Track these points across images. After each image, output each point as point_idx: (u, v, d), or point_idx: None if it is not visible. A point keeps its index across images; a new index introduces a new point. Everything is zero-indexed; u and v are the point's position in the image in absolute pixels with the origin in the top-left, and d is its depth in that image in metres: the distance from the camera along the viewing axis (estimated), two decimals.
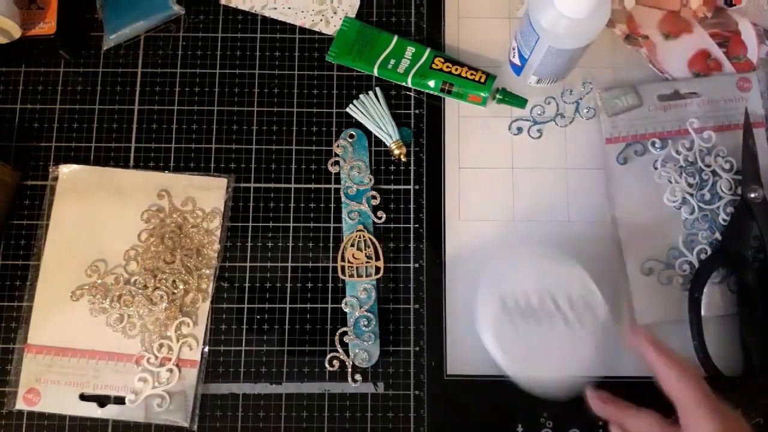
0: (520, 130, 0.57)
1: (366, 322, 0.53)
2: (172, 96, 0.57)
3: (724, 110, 0.56)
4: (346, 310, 0.53)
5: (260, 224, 0.55)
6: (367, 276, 0.54)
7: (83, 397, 0.52)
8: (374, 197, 0.55)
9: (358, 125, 0.57)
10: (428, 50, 0.57)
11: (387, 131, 0.56)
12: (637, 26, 0.58)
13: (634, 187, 0.55)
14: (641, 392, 0.52)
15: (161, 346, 0.52)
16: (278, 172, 0.56)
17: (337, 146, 0.56)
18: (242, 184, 0.56)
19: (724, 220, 0.54)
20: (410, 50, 0.57)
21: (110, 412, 0.51)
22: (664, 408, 0.52)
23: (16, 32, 0.54)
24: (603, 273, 0.54)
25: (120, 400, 0.52)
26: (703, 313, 0.52)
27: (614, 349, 0.53)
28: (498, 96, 0.56)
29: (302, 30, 0.59)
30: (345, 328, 0.53)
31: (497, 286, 0.48)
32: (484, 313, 0.48)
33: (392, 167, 0.56)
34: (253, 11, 0.59)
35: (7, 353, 0.53)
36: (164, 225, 0.54)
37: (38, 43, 0.56)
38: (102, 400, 0.52)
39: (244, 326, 0.53)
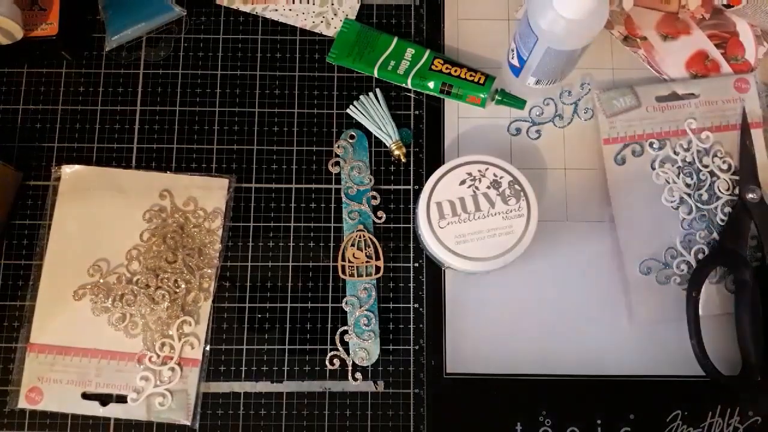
0: (518, 130, 0.57)
1: (366, 321, 0.53)
2: (174, 97, 0.58)
3: (722, 111, 0.56)
4: (347, 309, 0.54)
5: (261, 224, 0.55)
6: (367, 275, 0.54)
7: (85, 396, 0.52)
8: (374, 197, 0.56)
9: (359, 126, 0.57)
10: (428, 52, 0.57)
11: (387, 132, 0.56)
12: (635, 27, 0.59)
13: (632, 188, 0.55)
14: (639, 391, 0.53)
15: (163, 345, 0.52)
16: (279, 172, 0.56)
17: (338, 147, 0.57)
18: (243, 185, 0.56)
19: (722, 220, 0.54)
20: (410, 52, 0.57)
21: (112, 410, 0.52)
22: (660, 407, 0.53)
23: (19, 33, 0.54)
24: (601, 273, 0.55)
25: (122, 399, 0.52)
26: (700, 312, 0.52)
27: (613, 348, 0.53)
28: (497, 97, 0.56)
29: (303, 32, 0.59)
30: (345, 327, 0.53)
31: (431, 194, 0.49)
32: (423, 221, 0.49)
33: (392, 167, 0.57)
34: (254, 13, 0.59)
35: (9, 352, 0.53)
36: (166, 225, 0.54)
37: (40, 44, 0.56)
38: (104, 399, 0.52)
39: (246, 325, 0.54)
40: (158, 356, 0.52)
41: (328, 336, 0.54)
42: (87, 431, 0.52)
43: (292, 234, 0.55)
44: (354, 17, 0.59)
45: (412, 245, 0.55)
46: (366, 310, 0.53)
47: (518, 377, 0.53)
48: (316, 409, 0.52)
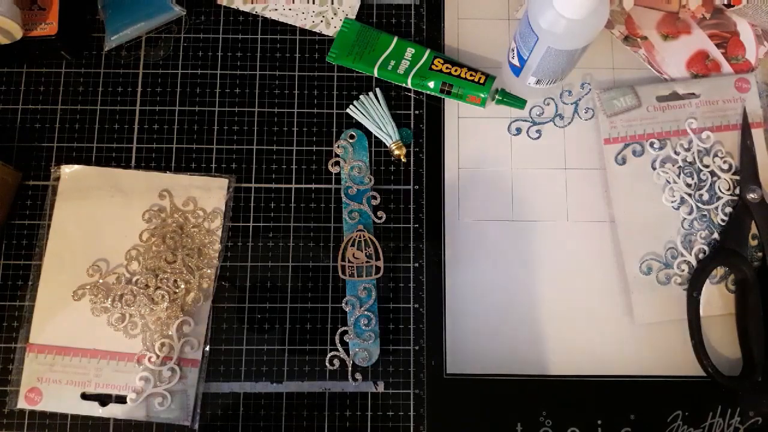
0: (519, 130, 0.57)
1: (366, 322, 0.53)
2: (173, 96, 0.58)
3: (723, 111, 0.56)
4: (347, 309, 0.54)
5: (261, 224, 0.55)
6: (367, 275, 0.54)
7: (85, 396, 0.52)
8: (374, 197, 0.56)
9: (359, 126, 0.57)
10: (428, 51, 0.57)
11: (387, 132, 0.56)
12: (635, 27, 0.59)
13: (632, 188, 0.55)
14: (639, 391, 0.53)
15: (162, 345, 0.52)
16: (279, 172, 0.56)
17: (338, 147, 0.57)
18: (243, 184, 0.56)
19: (723, 220, 0.54)
20: (410, 51, 0.57)
21: (112, 411, 0.52)
22: (661, 407, 0.52)
23: (18, 33, 0.54)
24: (601, 273, 0.54)
25: (121, 399, 0.52)
26: (701, 312, 0.52)
27: (614, 348, 0.53)
28: (497, 97, 0.56)
29: (303, 31, 0.59)
30: (345, 328, 0.53)
31: None
32: None
33: (392, 167, 0.57)
34: (254, 12, 0.59)
35: (9, 352, 0.53)
36: (165, 225, 0.54)
37: (40, 43, 0.56)
38: (103, 399, 0.52)
39: (245, 325, 0.54)
40: (158, 356, 0.52)
41: (328, 336, 0.53)
42: (86, 431, 0.52)
43: (292, 234, 0.55)
44: (354, 17, 0.59)
45: (412, 245, 0.55)
46: (366, 310, 0.53)
47: (518, 377, 0.52)
48: (315, 410, 0.52)
